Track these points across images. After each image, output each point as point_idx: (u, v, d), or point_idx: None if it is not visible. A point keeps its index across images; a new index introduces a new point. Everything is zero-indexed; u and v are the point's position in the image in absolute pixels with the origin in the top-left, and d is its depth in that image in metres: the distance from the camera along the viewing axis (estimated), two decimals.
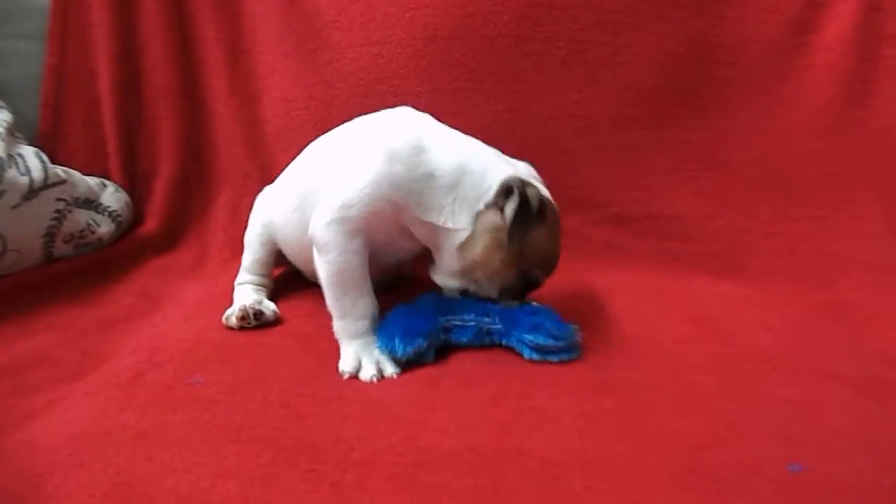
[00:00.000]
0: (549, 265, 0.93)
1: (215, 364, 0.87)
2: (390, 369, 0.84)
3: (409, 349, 0.84)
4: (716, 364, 0.88)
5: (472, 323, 0.88)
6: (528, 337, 0.86)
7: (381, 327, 0.88)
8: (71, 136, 1.39)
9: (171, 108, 1.42)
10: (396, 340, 0.84)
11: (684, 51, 1.34)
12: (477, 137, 0.97)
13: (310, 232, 0.90)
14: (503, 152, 0.97)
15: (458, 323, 0.89)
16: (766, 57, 1.35)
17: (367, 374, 0.83)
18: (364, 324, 0.88)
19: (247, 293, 1.07)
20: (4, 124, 1.17)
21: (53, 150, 1.30)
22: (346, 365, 0.84)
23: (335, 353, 0.88)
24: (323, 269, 0.89)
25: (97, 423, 0.73)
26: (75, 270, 1.20)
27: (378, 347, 0.86)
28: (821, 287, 1.17)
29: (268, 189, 1.17)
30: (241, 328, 0.99)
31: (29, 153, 1.17)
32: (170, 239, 1.37)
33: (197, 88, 1.45)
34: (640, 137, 1.33)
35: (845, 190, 1.29)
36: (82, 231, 1.22)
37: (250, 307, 1.00)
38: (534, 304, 0.93)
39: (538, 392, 0.79)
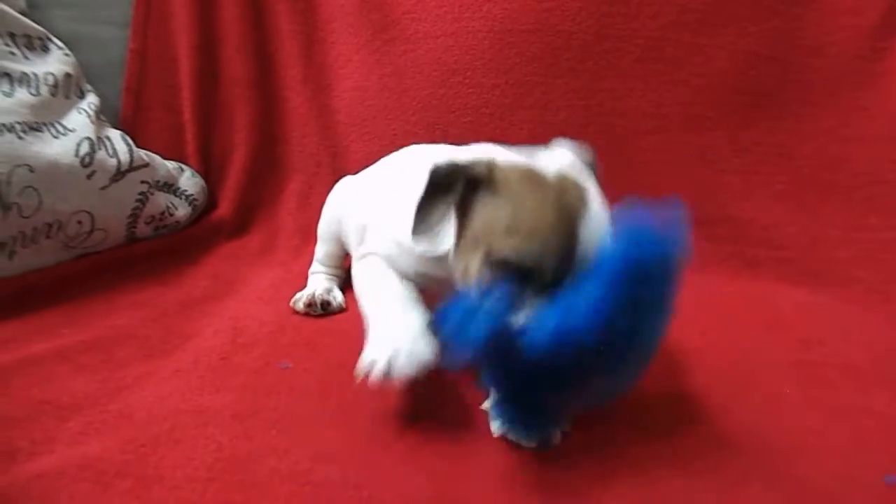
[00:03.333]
0: (517, 237, 0.65)
1: (300, 349, 0.89)
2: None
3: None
4: (796, 372, 0.87)
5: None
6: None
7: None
8: (151, 121, 1.42)
9: (247, 97, 1.45)
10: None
11: (763, 52, 1.32)
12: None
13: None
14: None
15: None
16: (845, 60, 1.33)
17: None
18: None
19: (320, 281, 1.10)
20: (93, 107, 1.21)
21: (133, 133, 1.33)
22: None
23: None
24: None
25: (193, 401, 0.75)
26: (154, 251, 1.24)
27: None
28: None
29: (344, 182, 1.16)
30: (307, 314, 1.02)
31: (115, 136, 1.20)
32: (242, 224, 1.40)
33: (272, 78, 1.48)
34: (715, 138, 1.32)
35: None
36: (162, 213, 1.26)
37: (319, 296, 1.03)
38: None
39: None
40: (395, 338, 0.68)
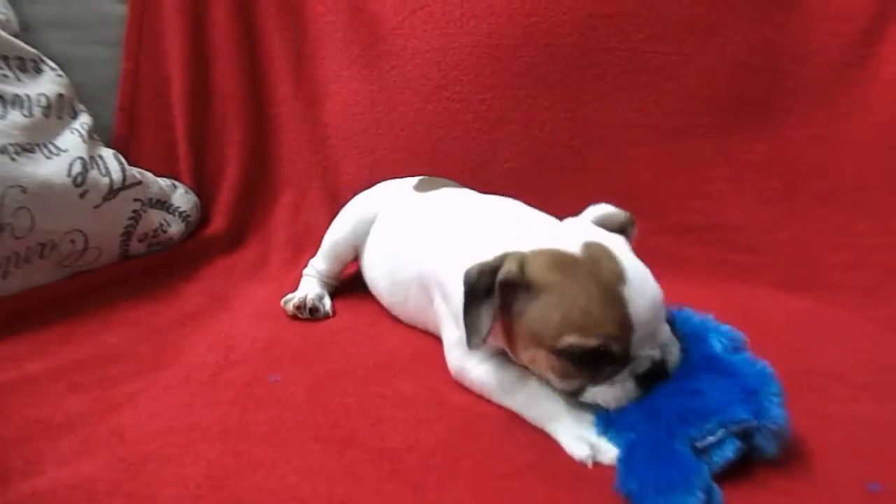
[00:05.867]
0: (572, 329, 0.67)
1: (290, 363, 0.90)
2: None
3: None
4: (784, 378, 0.86)
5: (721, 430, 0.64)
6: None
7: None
8: (144, 140, 1.44)
9: (238, 113, 1.47)
10: None
11: (749, 60, 1.33)
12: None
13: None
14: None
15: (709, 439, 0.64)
16: (831, 67, 1.34)
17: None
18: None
19: (312, 285, 1.14)
20: (85, 127, 1.22)
21: (127, 152, 1.34)
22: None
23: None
24: None
25: (183, 418, 0.76)
26: (148, 268, 1.25)
27: None
28: (889, 302, 1.14)
29: (365, 201, 1.15)
30: (294, 316, 1.06)
31: (108, 155, 1.21)
32: (235, 238, 1.42)
33: (263, 94, 1.50)
34: (702, 147, 1.33)
35: None
36: (155, 231, 1.27)
37: (310, 300, 1.07)
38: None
39: None
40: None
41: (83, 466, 0.67)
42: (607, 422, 0.69)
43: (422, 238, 0.97)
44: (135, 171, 1.24)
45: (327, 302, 1.10)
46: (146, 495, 0.63)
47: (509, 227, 0.84)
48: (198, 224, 1.42)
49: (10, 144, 1.05)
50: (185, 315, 1.10)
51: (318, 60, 1.47)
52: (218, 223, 1.41)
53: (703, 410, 0.65)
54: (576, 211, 0.84)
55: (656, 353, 0.69)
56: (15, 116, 1.10)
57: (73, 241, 1.11)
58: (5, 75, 1.15)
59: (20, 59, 1.19)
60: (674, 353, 0.71)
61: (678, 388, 0.68)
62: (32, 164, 1.07)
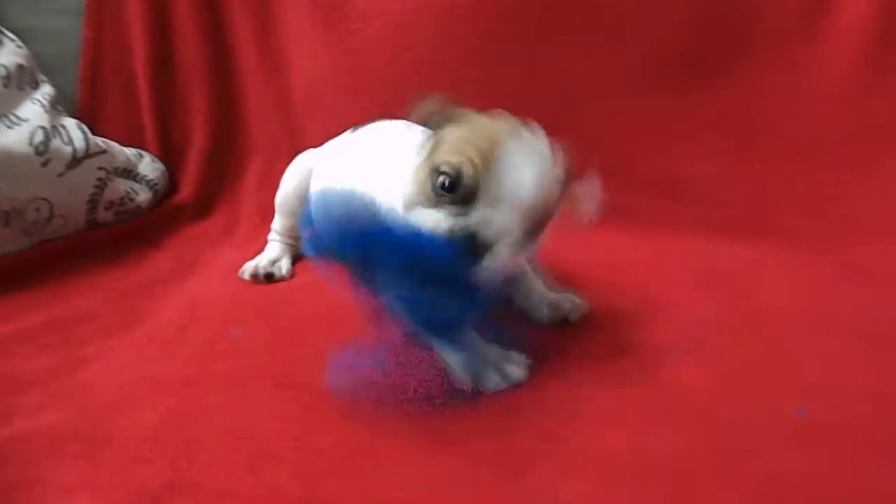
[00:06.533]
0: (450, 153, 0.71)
1: (252, 319, 0.92)
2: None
3: None
4: (729, 321, 0.89)
5: None
6: None
7: None
8: (108, 109, 1.45)
9: (203, 81, 1.47)
10: None
11: (705, 17, 1.35)
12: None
13: None
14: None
15: None
16: (788, 20, 1.36)
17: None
18: None
19: (272, 250, 1.15)
20: (47, 97, 1.23)
21: (92, 122, 1.35)
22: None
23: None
24: None
25: (146, 370, 0.78)
26: (116, 236, 1.26)
27: None
28: (840, 248, 1.16)
29: (306, 155, 1.17)
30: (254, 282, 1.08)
31: (71, 124, 1.22)
32: (203, 206, 1.43)
33: (227, 61, 1.50)
34: (660, 102, 1.35)
35: (867, 154, 1.29)
36: (122, 199, 1.28)
37: (262, 268, 1.08)
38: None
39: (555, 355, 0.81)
40: None
41: (47, 417, 0.69)
42: None
43: (344, 169, 0.99)
44: (98, 141, 1.25)
45: (283, 265, 1.11)
46: (106, 439, 0.65)
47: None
48: (166, 192, 1.43)
49: None
50: (153, 280, 1.12)
51: (281, 26, 1.48)
52: (186, 191, 1.43)
53: None
54: None
55: (495, 226, 0.68)
56: None
57: (37, 210, 1.13)
58: None
59: None
60: (503, 252, 0.70)
61: None
62: None
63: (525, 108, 0.98)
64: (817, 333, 0.86)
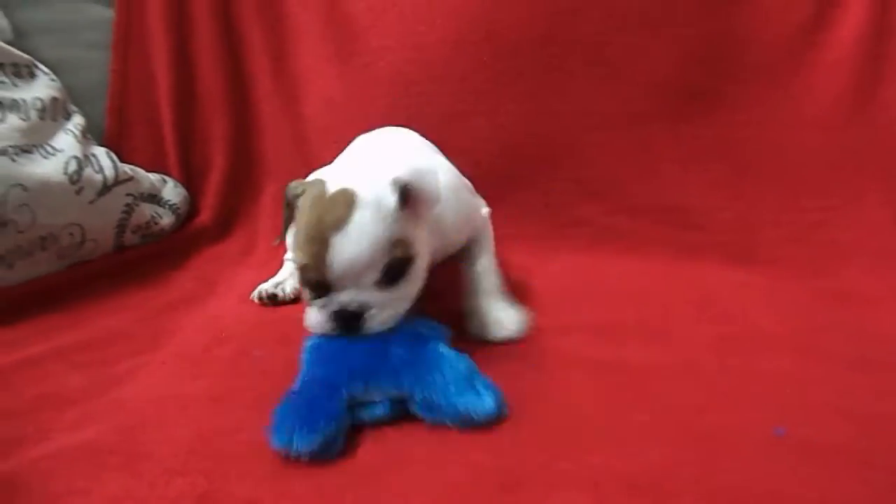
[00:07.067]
0: (296, 246, 0.79)
1: (272, 341, 0.98)
2: None
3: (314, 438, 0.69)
4: (717, 342, 0.94)
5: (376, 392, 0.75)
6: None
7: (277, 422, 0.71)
8: (134, 137, 1.52)
9: (222, 110, 1.55)
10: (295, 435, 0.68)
11: (699, 50, 1.41)
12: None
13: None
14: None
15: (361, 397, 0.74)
16: (778, 54, 1.42)
17: None
18: None
19: (284, 270, 1.21)
20: (79, 127, 1.30)
21: (119, 149, 1.43)
22: None
23: None
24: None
25: (175, 388, 0.85)
26: (142, 258, 1.34)
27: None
28: (825, 274, 1.22)
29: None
30: (262, 304, 1.14)
31: (101, 153, 1.30)
32: (223, 228, 1.51)
33: (245, 91, 1.59)
34: (654, 133, 1.42)
35: (853, 182, 1.35)
36: (147, 223, 1.36)
37: (266, 291, 1.14)
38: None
39: (553, 369, 0.87)
40: None
41: (86, 432, 0.75)
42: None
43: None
44: (126, 168, 1.33)
45: (287, 286, 1.16)
46: (143, 453, 0.71)
47: (371, 158, 0.97)
48: (188, 215, 1.51)
49: (10, 146, 1.14)
50: (177, 300, 1.19)
51: (296, 59, 1.56)
52: (206, 214, 1.50)
53: (368, 371, 0.75)
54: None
55: (352, 304, 0.77)
56: (13, 120, 1.18)
57: (71, 234, 1.20)
58: (2, 81, 1.22)
59: (15, 65, 1.26)
60: (374, 318, 0.78)
61: (369, 347, 0.77)
62: (31, 164, 1.15)
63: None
64: (802, 356, 0.90)
